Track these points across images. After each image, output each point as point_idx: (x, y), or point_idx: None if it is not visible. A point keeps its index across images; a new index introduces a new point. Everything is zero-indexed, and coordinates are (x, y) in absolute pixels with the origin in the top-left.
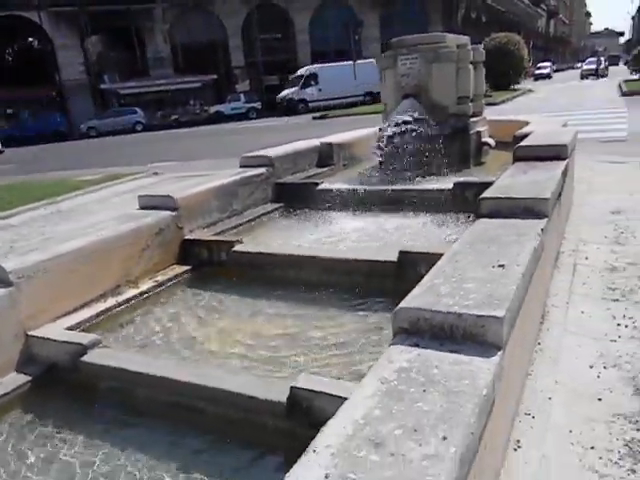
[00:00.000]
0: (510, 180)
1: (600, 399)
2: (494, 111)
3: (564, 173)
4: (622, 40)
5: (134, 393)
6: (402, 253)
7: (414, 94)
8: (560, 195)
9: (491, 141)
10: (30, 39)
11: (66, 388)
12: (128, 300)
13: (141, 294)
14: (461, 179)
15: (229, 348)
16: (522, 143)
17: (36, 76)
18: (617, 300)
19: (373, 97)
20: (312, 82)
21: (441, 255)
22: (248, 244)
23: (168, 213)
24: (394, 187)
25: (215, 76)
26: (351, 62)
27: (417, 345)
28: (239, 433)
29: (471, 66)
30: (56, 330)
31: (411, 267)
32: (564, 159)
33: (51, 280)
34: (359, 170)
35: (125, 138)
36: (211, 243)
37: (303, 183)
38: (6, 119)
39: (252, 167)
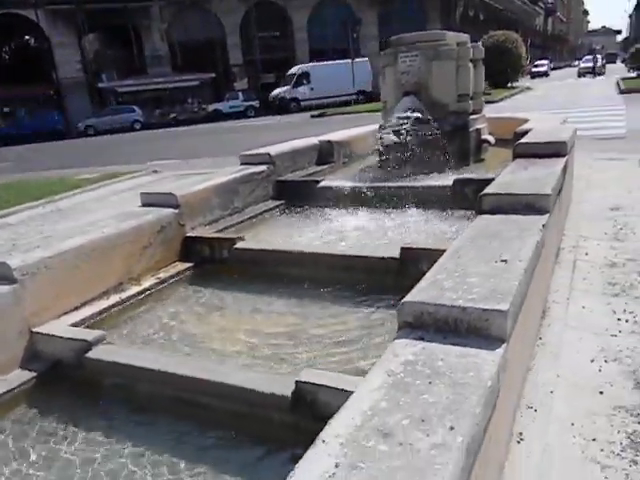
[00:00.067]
0: (511, 176)
1: (601, 392)
2: (493, 109)
3: (564, 170)
4: (619, 38)
5: (139, 389)
6: (404, 249)
7: (414, 92)
8: (560, 191)
9: (491, 138)
10: (27, 37)
11: (71, 384)
12: (131, 297)
13: (143, 291)
14: (461, 176)
15: (232, 345)
16: (522, 140)
17: (33, 74)
18: (617, 295)
19: (366, 96)
20: (304, 81)
21: (442, 251)
22: (250, 241)
23: (170, 210)
24: (394, 184)
25: (213, 74)
26: (344, 61)
27: (422, 339)
28: (245, 427)
29: (471, 64)
30: (60, 327)
31: (413, 263)
32: (564, 156)
33: (54, 277)
34: (359, 167)
35: (123, 136)
36: (213, 240)
37: (304, 181)
38: (3, 117)
39: (253, 165)
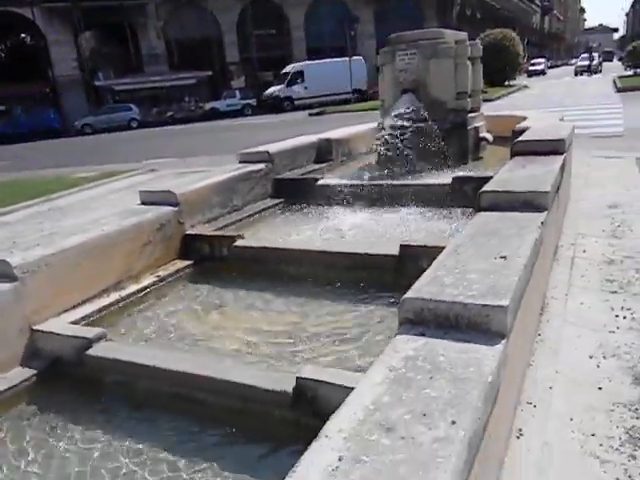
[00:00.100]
0: (509, 174)
1: (600, 388)
2: (490, 107)
3: (562, 167)
4: (616, 36)
5: (139, 386)
6: (403, 247)
7: (412, 89)
8: (558, 189)
9: (489, 136)
10: (23, 35)
11: (71, 382)
12: (130, 295)
13: (143, 289)
14: (460, 174)
15: (231, 342)
16: (520, 138)
17: (29, 72)
18: (615, 292)
19: (361, 94)
20: (298, 80)
21: (441, 248)
22: (249, 239)
23: (169, 208)
24: (393, 182)
25: (210, 72)
26: (338, 59)
27: (423, 334)
28: (246, 424)
29: (469, 62)
30: (61, 324)
31: (412, 260)
32: (562, 154)
33: (55, 275)
34: (358, 165)
35: (120, 135)
36: (212, 238)
37: (303, 178)
38: None
39: (251, 163)
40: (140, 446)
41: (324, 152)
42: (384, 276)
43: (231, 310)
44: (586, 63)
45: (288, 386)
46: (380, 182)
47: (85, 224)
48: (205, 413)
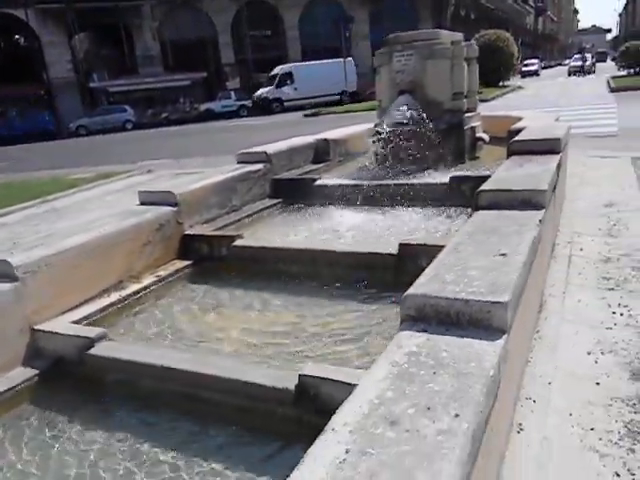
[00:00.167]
0: (507, 173)
1: (598, 383)
2: (485, 107)
3: (558, 166)
4: (609, 37)
5: (142, 385)
6: (402, 245)
7: (409, 90)
8: (555, 188)
9: (485, 136)
10: (17, 37)
11: (73, 381)
12: (131, 295)
13: (143, 289)
14: (457, 173)
15: (231, 342)
16: (517, 137)
17: (23, 74)
18: (612, 289)
19: (351, 96)
20: (287, 81)
21: (440, 247)
22: (248, 239)
23: (169, 209)
24: (390, 182)
25: (205, 74)
26: (327, 61)
27: (425, 331)
28: (248, 422)
29: (465, 62)
30: (62, 324)
31: (411, 259)
32: (558, 153)
33: (55, 275)
34: (355, 166)
35: (115, 136)
36: (211, 238)
37: (301, 179)
38: None
39: (249, 163)
40: (142, 444)
41: (321, 152)
42: (383, 275)
43: (230, 310)
44: (579, 64)
45: (290, 384)
46: (378, 182)
47: (83, 225)
48: (207, 411)
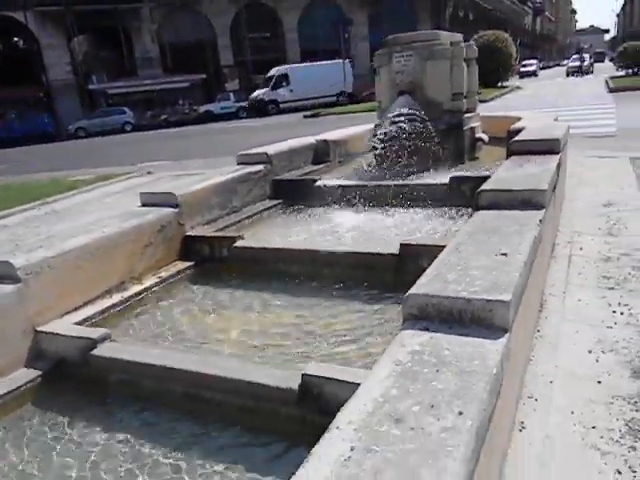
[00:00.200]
0: (507, 173)
1: (599, 382)
2: (484, 108)
3: (558, 166)
4: (607, 37)
5: (145, 385)
6: (403, 246)
7: (409, 91)
8: (555, 188)
9: (484, 137)
10: (16, 39)
11: (75, 382)
12: (133, 296)
13: (145, 290)
14: (457, 173)
15: (234, 341)
16: (516, 138)
17: (22, 76)
18: (612, 289)
19: (347, 97)
20: (283, 83)
21: (441, 247)
22: (249, 240)
23: (170, 210)
24: (391, 182)
25: (204, 75)
26: (323, 62)
27: (427, 329)
28: (251, 422)
29: (464, 63)
30: (65, 325)
31: (412, 259)
32: (557, 153)
33: (58, 276)
34: (355, 166)
35: (114, 138)
36: (213, 239)
37: (301, 179)
38: None
39: (250, 164)
40: (145, 444)
41: (321, 153)
42: (385, 275)
43: (232, 310)
44: (577, 64)
45: (294, 383)
46: (378, 183)
47: (85, 226)
48: (210, 411)
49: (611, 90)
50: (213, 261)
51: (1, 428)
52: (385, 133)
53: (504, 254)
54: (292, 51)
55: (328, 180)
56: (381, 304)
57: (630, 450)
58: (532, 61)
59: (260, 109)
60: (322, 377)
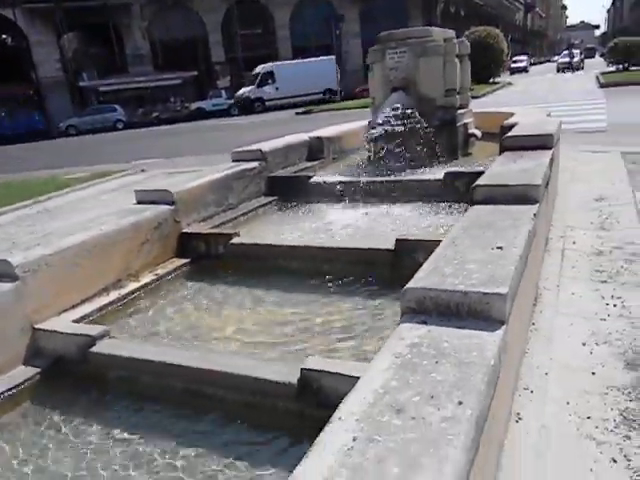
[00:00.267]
0: (501, 168)
1: (594, 373)
2: (476, 104)
3: (551, 162)
4: (598, 33)
5: (145, 381)
6: (399, 241)
7: (402, 87)
8: (548, 183)
9: (477, 132)
10: (4, 36)
11: (74, 379)
12: (130, 293)
13: (142, 287)
14: (451, 169)
15: (232, 337)
16: (509, 133)
17: (12, 74)
18: (605, 282)
19: (333, 94)
20: (269, 80)
21: (436, 242)
22: (245, 237)
23: (166, 207)
24: (385, 178)
25: (195, 72)
26: (309, 60)
27: (425, 322)
28: (250, 416)
29: (457, 59)
30: (63, 323)
31: (407, 254)
32: (550, 148)
33: (55, 274)
34: (349, 163)
35: (105, 136)
36: (209, 236)
37: (296, 176)
38: None
39: (245, 161)
40: (144, 439)
41: (316, 150)
42: (381, 269)
43: (229, 306)
44: (567, 60)
45: (293, 377)
46: (372, 179)
47: (82, 224)
48: (210, 406)
49: (602, 85)
50: (209, 258)
51: (0, 426)
52: (379, 129)
53: (500, 248)
54: (284, 48)
55: (323, 176)
56: (377, 299)
57: (625, 439)
58: (522, 57)
59: (246, 107)
60: (321, 371)
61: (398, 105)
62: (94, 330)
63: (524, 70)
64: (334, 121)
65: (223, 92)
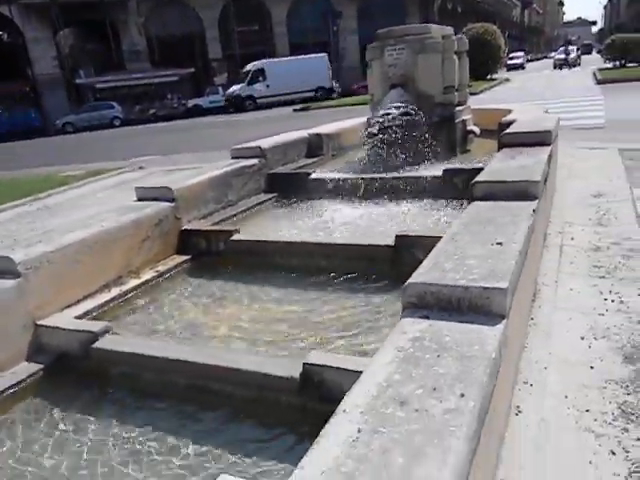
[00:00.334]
0: (500, 165)
1: (592, 367)
2: (474, 101)
3: (549, 158)
4: (595, 29)
5: (147, 377)
6: (399, 237)
7: (401, 84)
8: (546, 179)
9: (476, 129)
10: (0, 32)
11: (77, 375)
12: (131, 290)
13: (143, 284)
14: (450, 166)
15: (233, 333)
16: (508, 130)
17: (8, 71)
18: (603, 277)
19: (325, 92)
20: (260, 78)
21: (436, 237)
22: (245, 233)
23: (167, 204)
24: (384, 175)
25: (192, 69)
26: (300, 57)
27: (427, 317)
28: (252, 411)
29: (455, 56)
30: (65, 319)
31: (407, 250)
32: (548, 145)
33: (57, 271)
34: (348, 160)
35: (102, 133)
36: (209, 233)
37: (295, 173)
38: None
39: (244, 158)
40: (148, 435)
41: (315, 147)
42: (381, 265)
43: (229, 303)
44: (564, 56)
45: (295, 372)
46: (371, 175)
47: (82, 221)
48: (212, 401)
49: (599, 82)
50: (210, 255)
51: (4, 422)
52: (378, 126)
53: (499, 243)
54: (281, 44)
55: (322, 173)
56: (377, 293)
57: (623, 432)
58: (519, 54)
59: (237, 105)
60: (323, 365)
61: (397, 102)
62: (96, 326)
63: (521, 67)
64: (333, 118)
65: (220, 89)
